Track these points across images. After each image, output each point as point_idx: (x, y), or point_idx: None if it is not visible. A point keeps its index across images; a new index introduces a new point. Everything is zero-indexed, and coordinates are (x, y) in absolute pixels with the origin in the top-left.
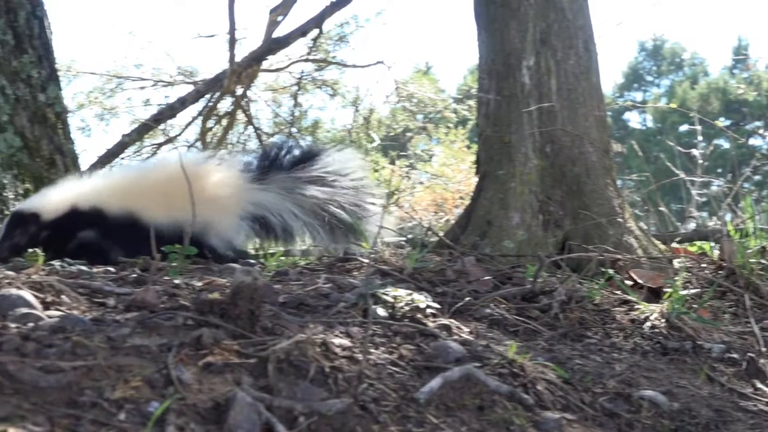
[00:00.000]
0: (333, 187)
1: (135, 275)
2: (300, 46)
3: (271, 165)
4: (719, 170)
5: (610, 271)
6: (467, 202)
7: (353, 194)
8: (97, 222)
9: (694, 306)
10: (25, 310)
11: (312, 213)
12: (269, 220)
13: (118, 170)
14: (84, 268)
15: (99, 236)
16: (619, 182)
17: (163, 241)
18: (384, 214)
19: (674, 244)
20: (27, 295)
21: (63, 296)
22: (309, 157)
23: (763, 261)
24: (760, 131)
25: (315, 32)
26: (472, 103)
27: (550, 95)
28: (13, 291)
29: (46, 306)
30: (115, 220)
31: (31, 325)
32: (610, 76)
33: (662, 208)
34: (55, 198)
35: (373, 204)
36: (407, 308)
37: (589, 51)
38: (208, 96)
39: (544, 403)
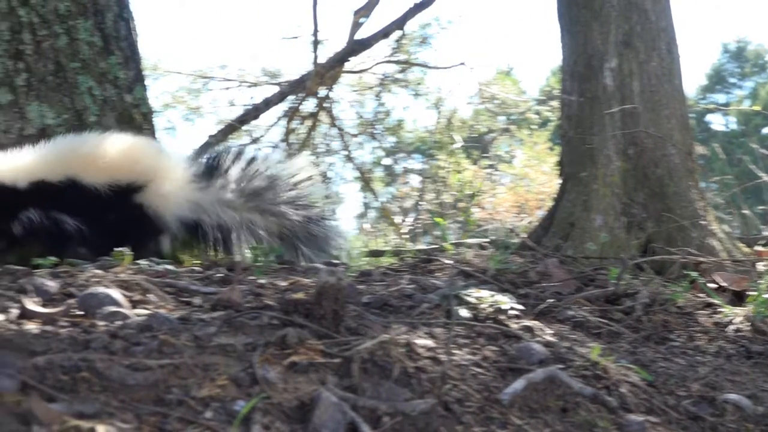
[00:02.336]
0: (282, 196)
1: (221, 275)
2: (383, 48)
3: (218, 168)
4: None
5: (694, 274)
6: (549, 203)
7: (303, 204)
8: (38, 198)
9: None
10: (113, 308)
11: (256, 223)
12: (203, 225)
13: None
14: (170, 267)
15: (42, 213)
16: (701, 184)
17: (100, 202)
18: (339, 225)
19: (758, 247)
20: (115, 293)
21: (150, 295)
22: (258, 163)
23: None
24: None
25: (398, 34)
26: (554, 104)
27: (633, 97)
28: (102, 289)
29: (134, 304)
30: (56, 190)
31: (119, 323)
32: (692, 78)
33: (745, 211)
34: None
35: (324, 213)
36: (490, 309)
37: (671, 53)
38: (292, 97)
39: (627, 405)
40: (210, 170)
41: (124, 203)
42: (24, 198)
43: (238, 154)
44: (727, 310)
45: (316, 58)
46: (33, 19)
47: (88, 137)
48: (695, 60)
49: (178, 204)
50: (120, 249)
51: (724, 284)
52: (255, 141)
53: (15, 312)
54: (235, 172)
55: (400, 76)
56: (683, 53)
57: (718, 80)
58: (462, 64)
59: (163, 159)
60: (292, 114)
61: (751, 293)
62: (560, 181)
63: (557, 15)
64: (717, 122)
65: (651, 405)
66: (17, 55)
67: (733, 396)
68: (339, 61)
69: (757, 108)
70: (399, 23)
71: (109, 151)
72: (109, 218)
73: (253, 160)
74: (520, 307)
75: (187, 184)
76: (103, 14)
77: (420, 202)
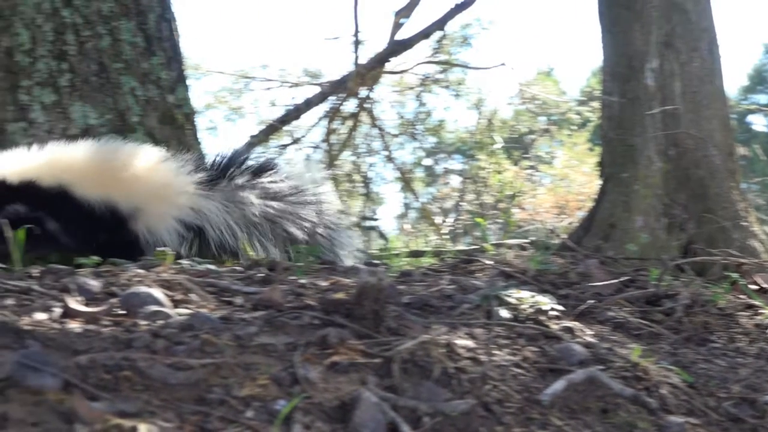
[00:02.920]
0: (288, 203)
1: (262, 274)
2: (423, 48)
3: (221, 173)
4: None
5: (735, 275)
6: (589, 204)
7: (311, 211)
8: (26, 195)
9: None
10: (155, 307)
11: (260, 230)
12: (206, 231)
13: (50, 145)
14: (212, 267)
15: (28, 211)
16: (743, 185)
17: (93, 218)
18: (351, 232)
19: None
20: (157, 292)
21: (192, 294)
22: (263, 170)
23: None
24: None
25: (438, 34)
26: (595, 104)
27: (674, 98)
28: (144, 289)
29: (176, 304)
30: (45, 193)
31: (161, 322)
32: (734, 79)
33: None
34: None
35: (336, 221)
36: (531, 310)
37: (712, 53)
38: (333, 97)
39: (667, 407)
40: (216, 176)
41: (117, 226)
42: (12, 194)
43: (246, 160)
44: None
45: (357, 58)
46: (77, 20)
47: (98, 145)
48: (736, 60)
49: (179, 213)
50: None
51: (765, 285)
52: (296, 141)
53: (58, 311)
54: (242, 178)
55: (440, 76)
56: (724, 54)
57: (759, 81)
58: (503, 64)
59: (165, 172)
60: (333, 114)
61: None
62: (601, 182)
63: (598, 15)
64: (758, 123)
65: (691, 406)
66: (61, 56)
67: None
68: (380, 61)
69: None
70: (440, 24)
71: (109, 165)
72: (97, 235)
73: (264, 166)
74: (561, 307)
75: (191, 192)
76: (145, 15)
77: (460, 203)
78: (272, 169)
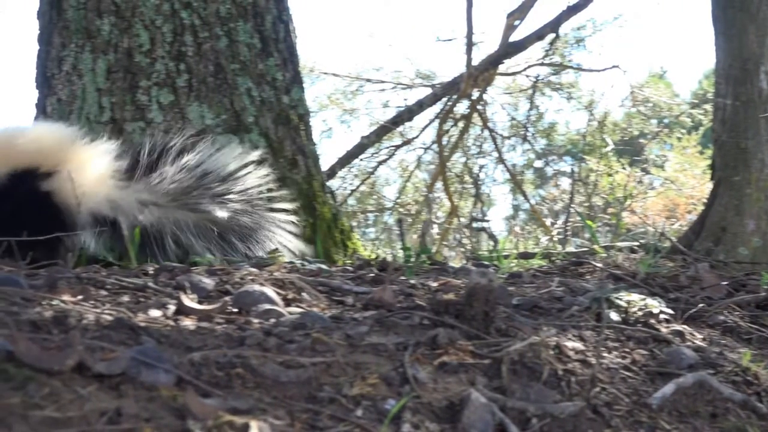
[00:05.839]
0: (219, 194)
1: (372, 274)
2: (536, 50)
3: (144, 163)
4: None
5: None
6: (700, 208)
7: (243, 200)
8: None
9: None
10: (267, 306)
11: (183, 224)
12: (121, 226)
13: None
14: (323, 266)
15: None
16: None
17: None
18: (285, 223)
19: None
20: (269, 291)
21: (303, 293)
22: (183, 153)
23: None
24: None
25: (551, 36)
26: (707, 107)
27: None
28: (257, 287)
29: (287, 303)
30: None
31: (273, 320)
32: None
33: None
34: None
35: (270, 211)
36: (640, 313)
37: None
38: (445, 99)
39: None
40: (134, 166)
41: (26, 190)
42: None
43: (166, 148)
44: None
45: (469, 60)
46: (195, 22)
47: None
48: None
49: (94, 199)
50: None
51: None
52: (408, 142)
53: (172, 308)
54: (162, 168)
55: (553, 78)
56: None
57: None
58: (615, 66)
59: (77, 149)
60: (445, 116)
61: None
62: (712, 185)
63: (712, 18)
64: None
65: None
66: (179, 57)
67: None
68: (492, 63)
69: None
70: (553, 25)
71: (10, 139)
72: (5, 207)
73: (181, 153)
74: (670, 311)
75: (107, 180)
76: (262, 16)
77: (570, 205)
78: (193, 152)
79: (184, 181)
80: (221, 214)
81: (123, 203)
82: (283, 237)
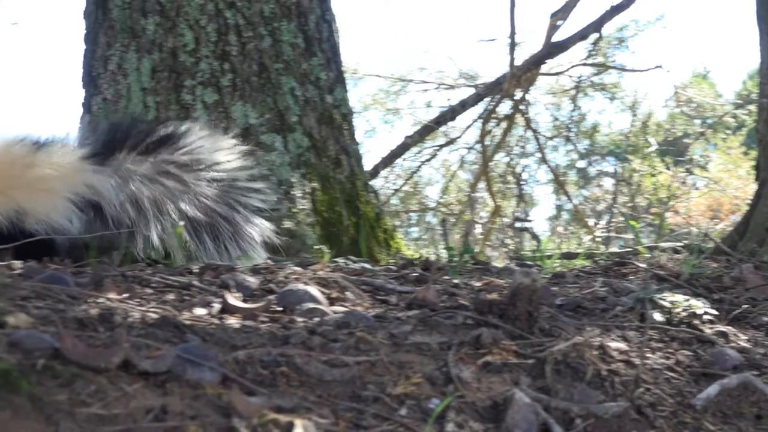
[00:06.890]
0: (198, 179)
1: (416, 274)
2: (579, 50)
3: (118, 144)
4: None
5: None
6: (744, 208)
7: (222, 190)
8: None
9: None
10: (311, 305)
11: (163, 209)
12: (103, 209)
13: None
14: (367, 265)
15: None
16: None
17: None
18: (263, 219)
19: None
20: (313, 290)
21: (347, 293)
22: (168, 139)
23: None
24: None
25: (594, 36)
26: (751, 107)
27: None
28: (301, 286)
29: (331, 302)
30: None
31: (317, 319)
32: None
33: None
34: None
35: (251, 202)
36: (684, 314)
37: None
38: (487, 99)
39: None
40: (107, 148)
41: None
42: None
43: (144, 132)
44: None
45: (512, 60)
46: (239, 21)
47: None
48: None
49: (71, 189)
50: None
51: None
52: (451, 142)
53: (217, 307)
54: (137, 152)
55: (596, 78)
56: None
57: None
58: (659, 66)
59: (47, 167)
60: (487, 116)
61: None
62: (756, 186)
63: (756, 17)
64: None
65: None
66: (223, 56)
67: None
68: (535, 63)
69: None
70: (596, 26)
71: None
72: None
73: (168, 137)
74: (714, 312)
75: (80, 169)
76: (306, 16)
77: (613, 205)
78: (175, 141)
79: (165, 164)
80: (193, 211)
81: (100, 186)
82: (253, 228)
